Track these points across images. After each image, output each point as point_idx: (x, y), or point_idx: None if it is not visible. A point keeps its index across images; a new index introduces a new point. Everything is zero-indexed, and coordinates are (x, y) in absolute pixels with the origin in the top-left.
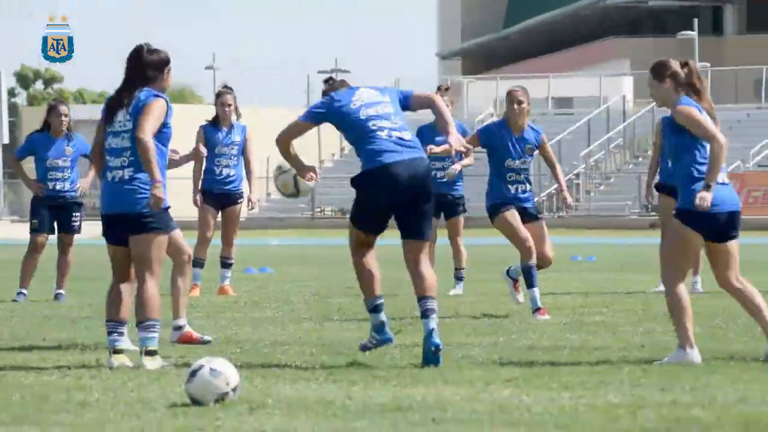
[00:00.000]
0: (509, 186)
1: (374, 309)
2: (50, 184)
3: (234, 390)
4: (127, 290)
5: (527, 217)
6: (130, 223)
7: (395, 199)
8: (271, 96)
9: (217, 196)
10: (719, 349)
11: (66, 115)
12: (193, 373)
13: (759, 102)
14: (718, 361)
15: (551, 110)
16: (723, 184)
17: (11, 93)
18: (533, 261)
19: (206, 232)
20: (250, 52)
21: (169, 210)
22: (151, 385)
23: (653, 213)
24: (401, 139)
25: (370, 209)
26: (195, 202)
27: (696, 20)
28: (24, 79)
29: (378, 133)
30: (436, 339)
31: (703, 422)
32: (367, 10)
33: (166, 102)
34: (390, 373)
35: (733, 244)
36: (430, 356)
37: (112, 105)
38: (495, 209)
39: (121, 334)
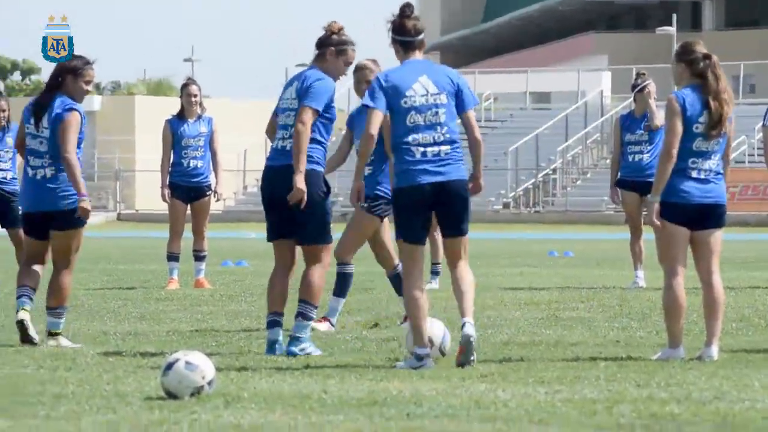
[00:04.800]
0: None
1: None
2: None
3: (209, 383)
4: (40, 268)
5: None
6: (53, 219)
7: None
8: (250, 88)
9: (186, 189)
10: (695, 346)
11: (4, 110)
12: (169, 367)
13: (737, 98)
14: (694, 358)
15: (529, 105)
16: (697, 179)
17: None
18: None
19: (177, 226)
20: (229, 44)
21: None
22: (127, 378)
23: (621, 210)
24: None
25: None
26: (163, 197)
27: (675, 15)
28: (1, 70)
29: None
30: (294, 348)
31: (679, 418)
32: (347, 2)
33: (79, 113)
34: (366, 367)
35: (706, 235)
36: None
37: (38, 109)
38: None
39: (30, 298)
